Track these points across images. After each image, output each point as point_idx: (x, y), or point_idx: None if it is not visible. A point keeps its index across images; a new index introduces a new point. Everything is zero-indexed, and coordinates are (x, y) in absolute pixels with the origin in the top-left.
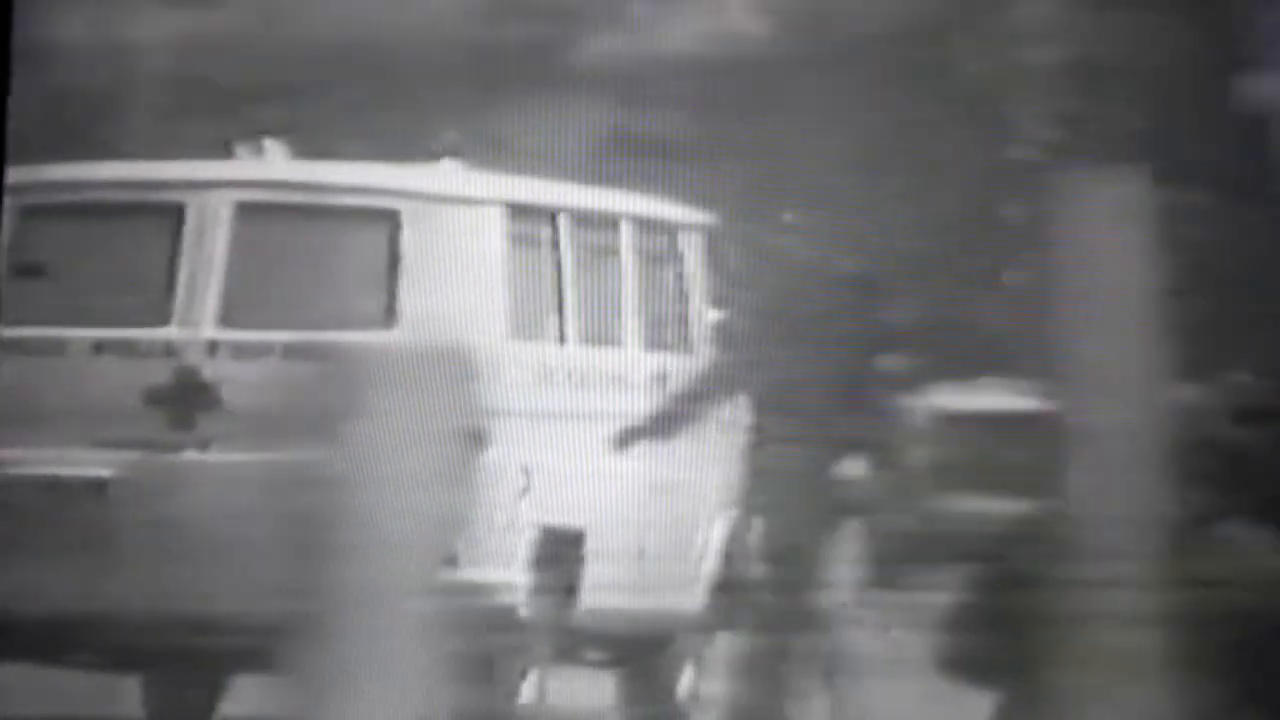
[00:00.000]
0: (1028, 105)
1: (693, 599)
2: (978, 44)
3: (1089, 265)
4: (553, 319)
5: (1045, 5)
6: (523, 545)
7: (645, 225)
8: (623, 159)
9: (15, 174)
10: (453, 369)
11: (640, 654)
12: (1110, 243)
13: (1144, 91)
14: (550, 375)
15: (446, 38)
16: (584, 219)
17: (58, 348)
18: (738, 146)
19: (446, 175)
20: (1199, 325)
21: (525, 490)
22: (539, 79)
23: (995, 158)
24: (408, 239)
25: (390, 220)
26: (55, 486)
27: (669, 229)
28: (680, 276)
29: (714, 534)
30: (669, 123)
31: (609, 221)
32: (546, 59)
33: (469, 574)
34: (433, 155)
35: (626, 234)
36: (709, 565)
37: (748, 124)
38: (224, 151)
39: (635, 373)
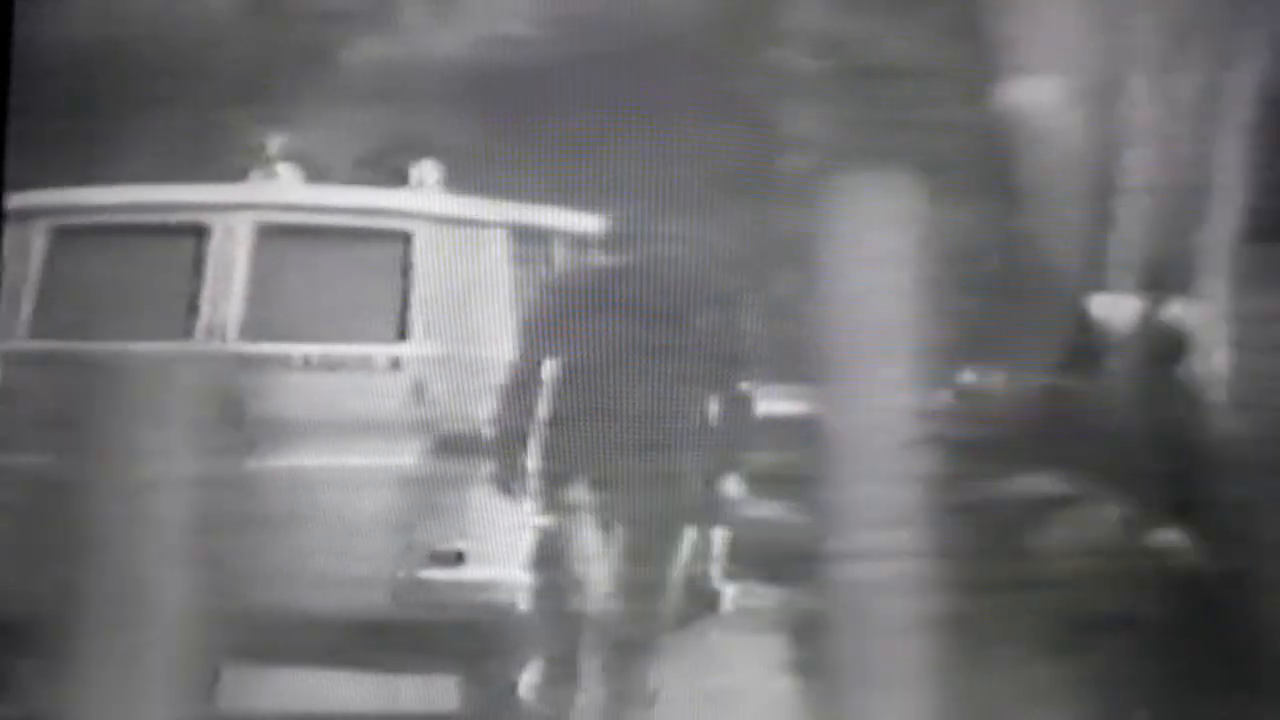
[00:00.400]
0: (799, 111)
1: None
2: (748, 50)
3: (862, 270)
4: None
5: (815, 11)
6: (524, 544)
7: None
8: (396, 164)
9: (46, 197)
10: (462, 380)
11: (619, 653)
12: (882, 247)
13: (913, 98)
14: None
15: (211, 39)
16: (576, 241)
17: (88, 361)
18: (511, 150)
19: (455, 199)
20: (966, 328)
21: (528, 491)
22: (308, 82)
23: (768, 164)
24: (419, 258)
25: (403, 240)
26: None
27: None
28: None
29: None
30: (442, 126)
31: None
32: (316, 62)
33: (475, 572)
34: (416, 183)
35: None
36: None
37: (523, 128)
38: (236, 171)
39: None
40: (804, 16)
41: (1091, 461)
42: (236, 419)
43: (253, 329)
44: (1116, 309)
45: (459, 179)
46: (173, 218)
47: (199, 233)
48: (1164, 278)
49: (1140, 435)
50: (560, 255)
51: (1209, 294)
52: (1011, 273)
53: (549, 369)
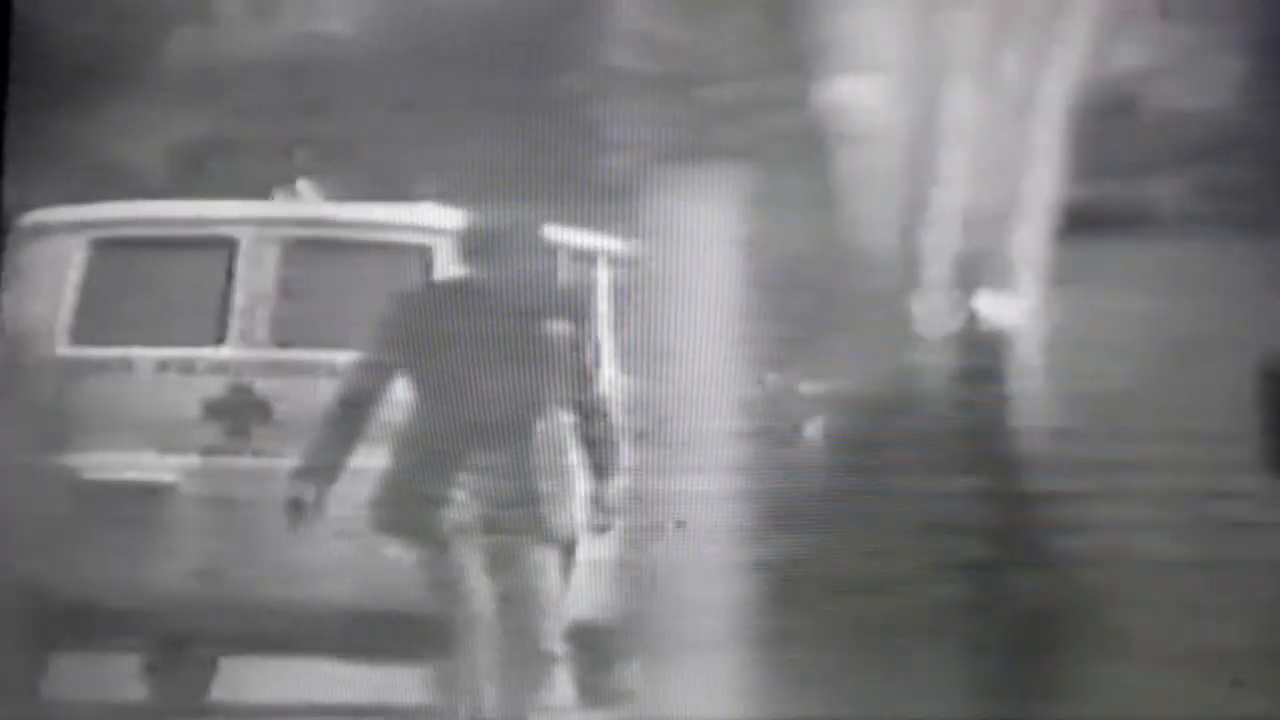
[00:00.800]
0: (621, 110)
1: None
2: (569, 48)
3: (688, 269)
4: None
5: (637, 11)
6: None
7: (614, 260)
8: (217, 163)
9: (85, 211)
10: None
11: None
12: (708, 245)
13: (738, 97)
14: None
15: (18, 37)
16: (574, 255)
17: (126, 366)
18: (329, 147)
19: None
20: (789, 326)
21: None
22: (122, 80)
23: (590, 162)
24: (438, 270)
25: (422, 254)
26: (126, 489)
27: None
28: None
29: None
30: (260, 124)
31: (589, 257)
32: (130, 59)
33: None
34: (416, 198)
35: (602, 267)
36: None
37: (341, 125)
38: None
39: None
40: (627, 18)
41: (908, 462)
42: (263, 419)
43: (281, 336)
44: (934, 308)
45: (277, 178)
46: (204, 232)
47: (230, 246)
48: (981, 275)
49: (957, 433)
50: (568, 267)
51: (1025, 290)
52: (832, 271)
53: (404, 380)
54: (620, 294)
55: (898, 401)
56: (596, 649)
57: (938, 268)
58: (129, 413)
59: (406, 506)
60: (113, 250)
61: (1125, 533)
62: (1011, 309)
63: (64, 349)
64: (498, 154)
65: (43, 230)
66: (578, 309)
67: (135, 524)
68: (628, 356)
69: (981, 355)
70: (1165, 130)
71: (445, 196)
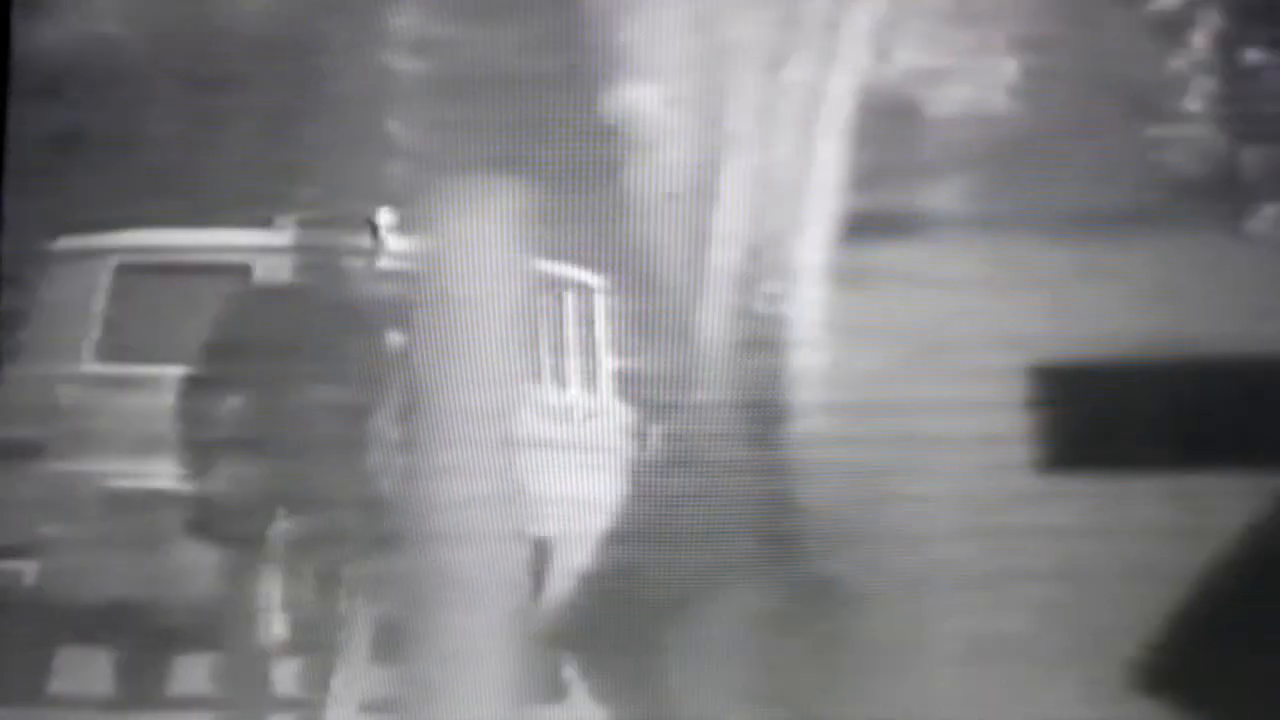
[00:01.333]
0: (401, 115)
1: None
2: (349, 52)
3: (469, 278)
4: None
5: (414, 17)
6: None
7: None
8: None
9: (111, 239)
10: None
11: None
12: (495, 249)
13: (516, 103)
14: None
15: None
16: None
17: (148, 382)
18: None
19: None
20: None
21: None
22: None
23: (375, 169)
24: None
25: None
26: (148, 496)
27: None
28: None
29: None
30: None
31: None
32: None
33: None
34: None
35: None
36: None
37: (121, 127)
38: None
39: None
40: (404, 18)
41: (696, 471)
42: None
43: None
44: (718, 317)
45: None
46: (220, 258)
47: (244, 271)
48: (764, 282)
49: (740, 443)
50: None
51: (808, 296)
52: (623, 281)
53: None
54: (414, 305)
55: (685, 413)
56: (401, 656)
57: (721, 275)
58: (150, 424)
59: (220, 513)
60: (136, 275)
61: (907, 540)
62: (793, 315)
63: (90, 365)
64: (278, 161)
65: (71, 255)
66: (385, 317)
67: (156, 528)
68: (420, 365)
69: (764, 362)
70: (945, 133)
71: (227, 207)
